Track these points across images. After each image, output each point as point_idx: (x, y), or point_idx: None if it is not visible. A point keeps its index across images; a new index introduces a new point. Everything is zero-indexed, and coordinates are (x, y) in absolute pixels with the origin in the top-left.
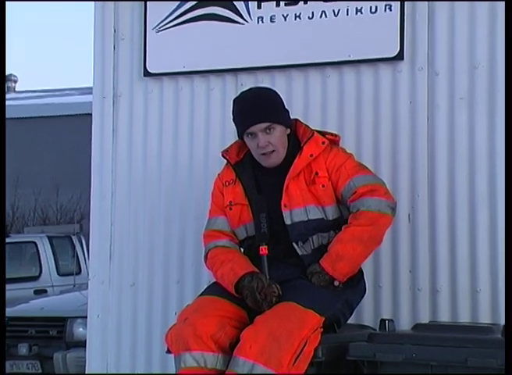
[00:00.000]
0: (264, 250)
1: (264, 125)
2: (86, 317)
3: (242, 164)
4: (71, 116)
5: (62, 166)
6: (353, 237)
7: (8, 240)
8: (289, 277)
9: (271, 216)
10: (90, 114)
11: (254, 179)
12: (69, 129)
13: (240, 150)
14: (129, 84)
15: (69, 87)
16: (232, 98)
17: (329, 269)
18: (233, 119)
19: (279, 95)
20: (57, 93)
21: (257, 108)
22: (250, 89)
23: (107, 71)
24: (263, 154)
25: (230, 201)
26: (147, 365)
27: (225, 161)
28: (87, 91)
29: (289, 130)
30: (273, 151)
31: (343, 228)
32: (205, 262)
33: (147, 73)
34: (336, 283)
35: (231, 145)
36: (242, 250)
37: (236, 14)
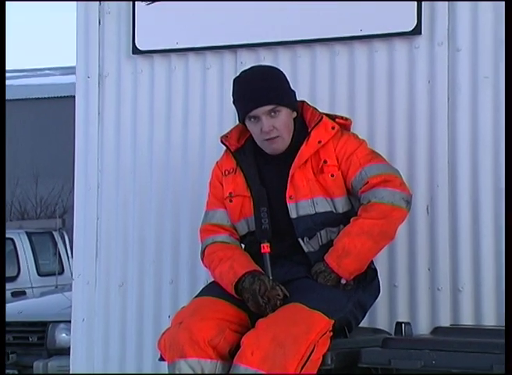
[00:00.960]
0: (266, 248)
1: (268, 107)
2: (69, 322)
3: (243, 151)
4: (51, 98)
5: (41, 154)
6: (362, 230)
7: None
8: (294, 276)
9: (274, 209)
10: (73, 96)
11: (257, 168)
12: (49, 113)
13: (240, 135)
14: (116, 63)
15: (49, 66)
16: (232, 78)
17: (334, 265)
18: (233, 102)
19: (283, 74)
20: (35, 73)
21: (260, 88)
22: (252, 68)
23: (91, 48)
24: (267, 139)
25: (230, 193)
26: (137, 373)
27: (225, 148)
28: (70, 70)
29: (295, 114)
30: (278, 136)
31: (351, 220)
32: (202, 259)
33: (136, 51)
34: (343, 281)
35: (231, 130)
36: (243, 246)
37: None
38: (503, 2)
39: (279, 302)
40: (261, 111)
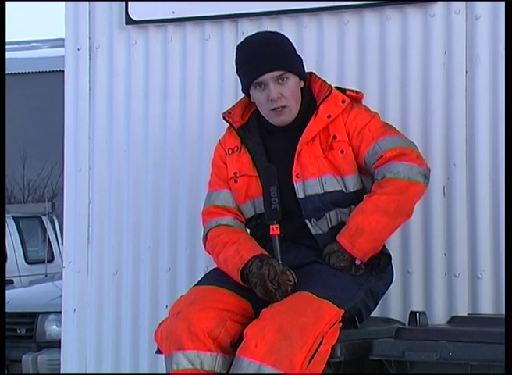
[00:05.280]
0: (275, 230)
1: (277, 73)
2: (60, 312)
3: (247, 128)
4: (39, 73)
5: (29, 133)
6: (376, 207)
7: None
8: (302, 262)
9: (282, 188)
10: (62, 70)
11: (263, 145)
12: (37, 89)
13: (244, 111)
14: (108, 34)
15: (37, 38)
16: (232, 50)
17: (347, 244)
18: (237, 70)
19: (290, 40)
20: (22, 46)
21: (269, 53)
22: (258, 33)
23: (81, 19)
24: (274, 109)
25: (235, 173)
26: (133, 368)
27: (226, 125)
28: (58, 43)
29: (302, 83)
30: (285, 106)
31: (365, 197)
32: (204, 244)
33: (129, 21)
34: (357, 261)
35: (233, 106)
36: (248, 231)
37: None
38: None
39: (289, 288)
40: (269, 76)
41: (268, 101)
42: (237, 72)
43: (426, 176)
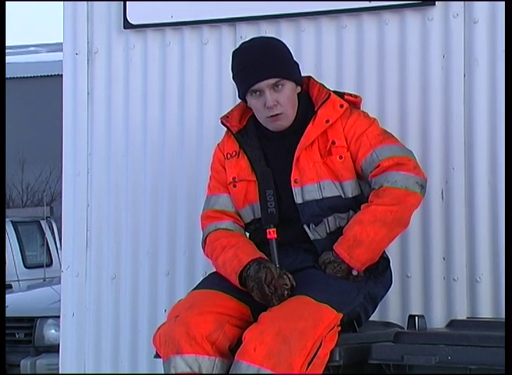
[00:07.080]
0: (272, 234)
1: (272, 81)
2: (58, 317)
3: (246, 132)
4: (37, 77)
5: (27, 137)
6: (374, 218)
7: None
8: (300, 266)
9: (280, 193)
10: (61, 75)
11: (261, 150)
12: (35, 93)
13: (242, 115)
14: (106, 38)
15: (35, 43)
16: (230, 54)
17: (345, 255)
18: (233, 77)
19: (286, 46)
20: (20, 50)
21: (264, 60)
22: (253, 39)
23: (79, 23)
24: (270, 116)
25: (234, 178)
26: (131, 372)
27: (225, 129)
28: (57, 47)
29: (299, 89)
30: (281, 113)
31: (362, 207)
32: (203, 248)
33: (127, 25)
34: (354, 272)
35: (231, 110)
36: (247, 235)
37: None
38: None
39: (286, 292)
40: (264, 84)
41: (265, 109)
42: (233, 78)
43: (423, 187)
